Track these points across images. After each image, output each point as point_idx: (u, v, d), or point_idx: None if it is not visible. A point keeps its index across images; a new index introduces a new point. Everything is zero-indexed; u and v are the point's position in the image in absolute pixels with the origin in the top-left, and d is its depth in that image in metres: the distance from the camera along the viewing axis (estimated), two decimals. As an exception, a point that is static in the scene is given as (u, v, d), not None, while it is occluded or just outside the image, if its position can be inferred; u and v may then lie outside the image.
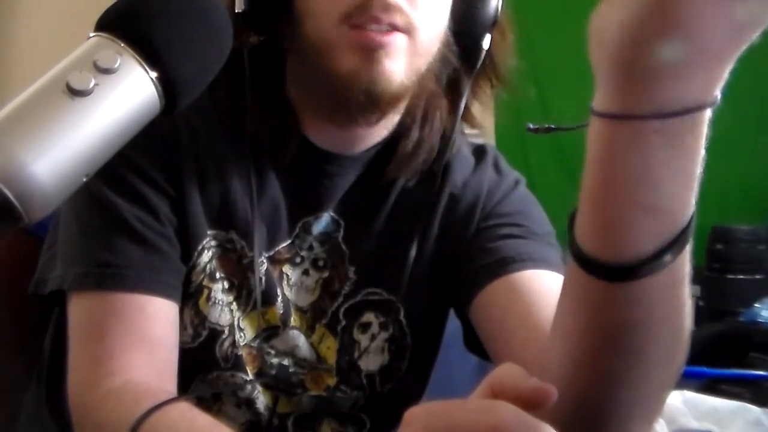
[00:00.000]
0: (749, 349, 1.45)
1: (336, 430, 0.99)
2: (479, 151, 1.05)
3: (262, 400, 0.95)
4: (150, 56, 0.52)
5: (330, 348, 0.96)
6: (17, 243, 1.05)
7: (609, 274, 0.60)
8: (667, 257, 0.59)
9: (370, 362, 0.98)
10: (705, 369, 1.35)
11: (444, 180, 1.00)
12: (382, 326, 0.97)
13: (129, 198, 0.88)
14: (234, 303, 0.92)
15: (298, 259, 0.95)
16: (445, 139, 0.97)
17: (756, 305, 1.71)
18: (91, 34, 0.53)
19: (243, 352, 0.93)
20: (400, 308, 0.98)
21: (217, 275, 0.92)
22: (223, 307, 0.92)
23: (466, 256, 0.97)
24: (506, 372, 0.55)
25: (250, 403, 0.95)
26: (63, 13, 3.05)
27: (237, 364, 0.93)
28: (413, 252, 0.96)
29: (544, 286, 0.89)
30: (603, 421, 0.69)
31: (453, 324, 1.03)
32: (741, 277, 2.74)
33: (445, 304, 1.02)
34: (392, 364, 0.98)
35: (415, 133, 0.95)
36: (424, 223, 0.98)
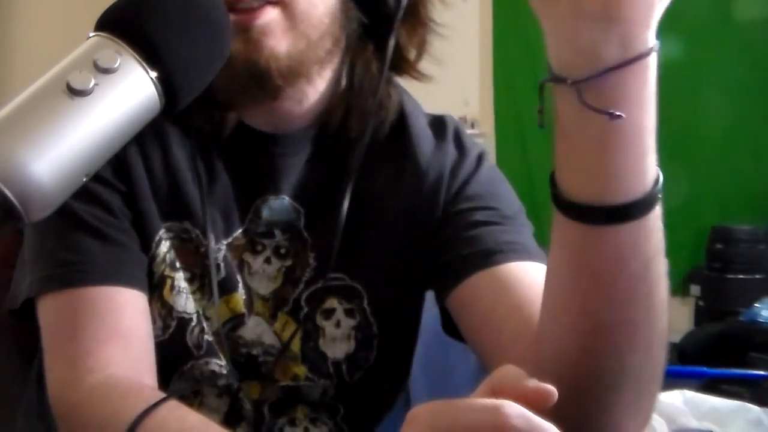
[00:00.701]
0: (749, 349, 1.46)
1: (309, 416, 0.98)
2: (438, 124, 1.01)
3: (235, 386, 0.95)
4: (150, 56, 0.52)
5: (294, 336, 0.95)
6: (16, 243, 1.05)
7: (614, 215, 0.64)
8: (658, 189, 0.64)
9: (336, 349, 0.96)
10: (705, 369, 1.35)
11: (404, 158, 0.98)
12: (348, 313, 0.96)
13: (81, 197, 0.88)
14: (197, 293, 0.93)
15: (259, 247, 0.95)
16: (383, 103, 0.94)
17: (756, 305, 1.72)
18: (91, 34, 0.53)
19: (212, 339, 0.93)
20: (363, 295, 0.96)
21: (177, 264, 0.92)
22: (188, 295, 0.92)
23: (438, 243, 0.95)
24: (506, 373, 0.55)
25: (229, 389, 0.94)
26: (63, 13, 3.05)
27: (210, 350, 0.93)
28: (375, 236, 0.95)
29: (531, 278, 0.87)
30: (600, 407, 0.70)
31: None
32: (741, 277, 2.74)
33: (415, 292, 1.00)
34: (358, 353, 0.97)
35: (341, 104, 0.94)
36: (385, 206, 0.96)
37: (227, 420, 0.94)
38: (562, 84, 0.62)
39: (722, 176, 2.89)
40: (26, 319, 0.91)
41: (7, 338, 1.09)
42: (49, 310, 0.88)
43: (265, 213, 0.95)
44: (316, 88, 0.93)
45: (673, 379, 1.30)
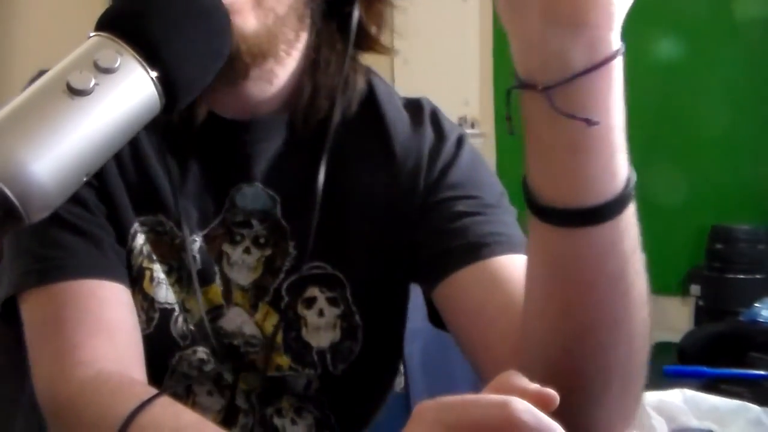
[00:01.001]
0: (749, 349, 1.45)
1: (295, 405, 0.97)
2: (414, 106, 0.99)
3: (226, 377, 0.94)
4: (150, 56, 0.52)
5: (275, 326, 0.94)
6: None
7: (588, 217, 0.64)
8: (631, 188, 0.64)
9: (321, 338, 0.95)
10: (705, 369, 1.36)
11: (378, 140, 0.96)
12: (331, 302, 0.95)
13: None
14: (176, 285, 0.92)
15: (237, 238, 0.94)
16: (349, 80, 0.94)
17: (756, 305, 1.71)
18: (92, 34, 0.53)
19: (195, 330, 0.93)
20: (346, 285, 0.95)
21: (154, 257, 0.92)
22: (168, 286, 0.92)
23: (421, 234, 0.94)
24: (509, 377, 0.55)
25: (218, 381, 0.94)
26: (63, 13, 3.05)
27: (195, 338, 0.92)
28: (354, 223, 0.94)
29: (518, 274, 0.84)
30: (587, 402, 0.70)
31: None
32: (741, 277, 2.74)
33: (399, 284, 0.99)
34: (343, 343, 0.96)
35: (308, 84, 0.93)
36: (362, 191, 0.95)
37: (221, 414, 0.94)
38: (532, 90, 0.62)
39: (722, 176, 2.88)
40: (11, 320, 0.90)
41: (8, 338, 1.09)
42: (30, 306, 0.88)
43: (240, 202, 0.94)
44: (285, 67, 0.92)
45: (673, 379, 1.30)
